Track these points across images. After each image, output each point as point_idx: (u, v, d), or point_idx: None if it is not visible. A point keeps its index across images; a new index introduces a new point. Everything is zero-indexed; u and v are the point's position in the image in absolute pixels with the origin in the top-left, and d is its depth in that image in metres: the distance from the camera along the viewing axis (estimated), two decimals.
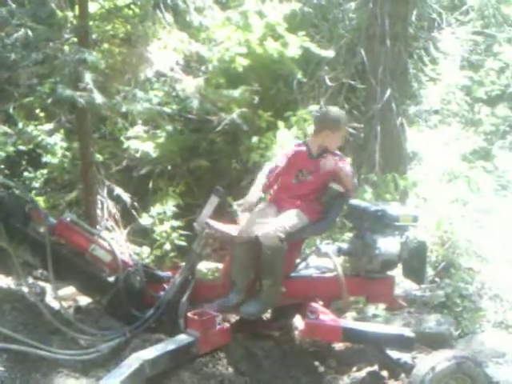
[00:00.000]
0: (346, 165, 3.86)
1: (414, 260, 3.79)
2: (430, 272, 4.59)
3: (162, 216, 5.31)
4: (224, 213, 5.38)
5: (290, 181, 3.85)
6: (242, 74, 6.03)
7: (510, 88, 6.95)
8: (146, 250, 5.25)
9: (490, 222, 5.17)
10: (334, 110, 3.90)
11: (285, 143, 5.71)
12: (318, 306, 3.77)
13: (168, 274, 3.84)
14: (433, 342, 4.02)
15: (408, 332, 3.58)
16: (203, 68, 6.28)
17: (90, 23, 5.63)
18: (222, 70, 6.06)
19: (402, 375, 3.56)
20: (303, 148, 3.89)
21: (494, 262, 4.79)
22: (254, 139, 5.84)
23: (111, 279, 3.67)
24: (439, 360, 3.27)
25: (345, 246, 4.08)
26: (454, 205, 5.28)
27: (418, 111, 6.73)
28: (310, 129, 5.98)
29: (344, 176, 3.78)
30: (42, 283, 4.09)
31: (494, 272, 4.69)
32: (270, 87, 6.29)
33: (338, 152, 3.92)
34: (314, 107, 6.17)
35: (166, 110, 5.85)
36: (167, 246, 5.13)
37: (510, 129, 6.68)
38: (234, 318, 3.92)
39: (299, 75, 6.33)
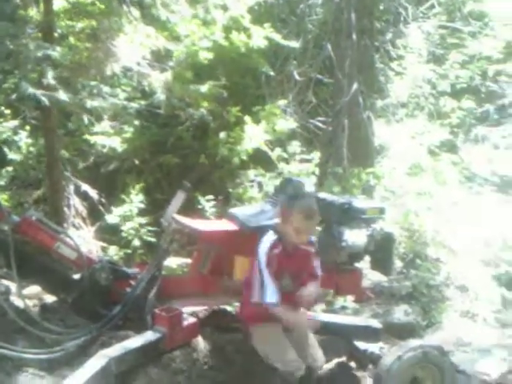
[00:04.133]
0: None
1: (382, 252, 3.82)
2: (397, 263, 4.64)
3: (129, 212, 5.27)
4: (193, 208, 5.37)
5: None
6: (209, 68, 6.01)
7: (475, 81, 7.05)
8: (114, 247, 5.20)
9: (456, 213, 5.24)
10: None
11: (253, 138, 5.73)
12: None
13: (135, 270, 3.80)
14: (401, 332, 4.07)
15: (375, 323, 3.63)
16: (171, 63, 6.24)
17: (55, 19, 5.54)
18: (189, 65, 6.03)
19: (370, 365, 3.60)
20: None
21: (460, 253, 4.86)
22: (223, 134, 5.83)
23: (77, 277, 3.62)
24: (406, 350, 3.31)
25: (313, 238, 4.11)
26: (420, 197, 5.34)
27: (385, 105, 6.79)
28: (279, 123, 6.01)
29: None
30: (6, 282, 4.02)
31: (460, 263, 4.76)
32: (238, 82, 6.29)
33: None
34: (282, 102, 6.20)
35: (133, 105, 5.79)
36: (136, 243, 5.10)
37: (476, 121, 6.77)
38: (202, 312, 3.90)
39: (267, 70, 6.33)
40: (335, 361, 3.71)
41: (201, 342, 3.59)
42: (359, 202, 3.95)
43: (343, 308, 4.34)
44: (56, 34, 5.49)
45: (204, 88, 5.75)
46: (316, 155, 5.95)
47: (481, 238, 5.03)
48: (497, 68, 7.04)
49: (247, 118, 5.86)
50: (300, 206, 3.05)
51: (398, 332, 4.04)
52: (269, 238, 3.18)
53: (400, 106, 6.90)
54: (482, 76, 7.13)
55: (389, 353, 3.38)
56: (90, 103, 5.18)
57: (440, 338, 3.98)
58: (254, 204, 4.70)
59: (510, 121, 6.54)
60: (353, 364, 3.68)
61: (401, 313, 4.19)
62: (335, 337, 3.77)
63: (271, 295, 3.03)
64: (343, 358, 3.72)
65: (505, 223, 5.15)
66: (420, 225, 5.01)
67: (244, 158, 5.87)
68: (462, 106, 6.91)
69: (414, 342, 3.44)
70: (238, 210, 4.28)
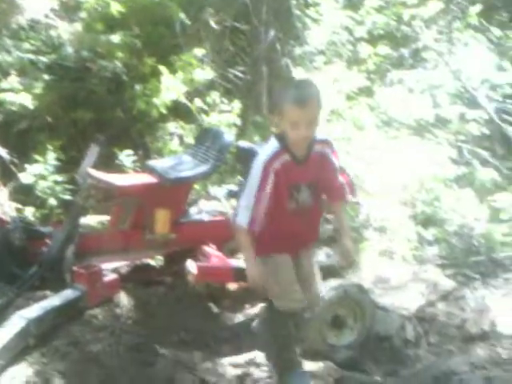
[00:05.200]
0: None
1: None
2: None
3: (44, 172, 5.06)
4: (112, 165, 5.23)
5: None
6: (120, 18, 5.76)
7: (391, 26, 7.11)
8: (30, 208, 5.00)
9: (374, 157, 5.34)
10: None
11: (170, 89, 5.58)
12: (209, 249, 3.80)
13: (50, 229, 3.69)
14: (324, 274, 4.14)
15: None
16: (81, 14, 5.94)
17: None
18: (99, 15, 5.76)
19: None
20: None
21: (378, 196, 4.97)
22: (138, 87, 5.65)
23: None
24: (327, 289, 3.38)
25: (234, 188, 4.11)
26: (340, 142, 5.40)
27: (303, 52, 6.75)
28: (197, 73, 5.87)
29: None
30: None
31: (378, 205, 4.88)
32: (152, 31, 6.07)
33: None
34: (199, 51, 6.04)
35: (42, 59, 5.50)
36: (52, 202, 4.92)
37: (391, 66, 6.86)
38: (123, 268, 3.85)
39: (182, 18, 6.14)
40: (260, 305, 3.76)
41: (123, 298, 3.55)
42: None
43: None
44: None
45: (116, 38, 5.52)
46: (236, 105, 5.88)
47: (398, 180, 5.16)
48: (411, 12, 7.11)
49: (163, 69, 5.69)
50: (291, 95, 2.59)
51: (321, 274, 4.12)
52: (270, 147, 2.70)
53: (318, 53, 6.88)
54: (397, 21, 7.19)
55: None
56: None
57: (360, 277, 4.10)
58: (174, 156, 4.62)
59: (424, 64, 6.67)
60: None
61: (323, 255, 4.27)
62: None
63: (244, 216, 2.63)
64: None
65: (421, 165, 5.30)
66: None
67: (162, 110, 5.72)
68: (379, 52, 6.97)
69: (334, 282, 3.52)
70: (157, 162, 4.22)
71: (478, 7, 6.83)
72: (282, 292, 2.78)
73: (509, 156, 5.64)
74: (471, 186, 5.22)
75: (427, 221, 4.78)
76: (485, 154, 5.50)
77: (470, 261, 4.18)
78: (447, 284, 4.03)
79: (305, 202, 2.76)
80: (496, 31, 6.78)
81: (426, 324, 3.62)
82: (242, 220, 2.65)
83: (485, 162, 5.43)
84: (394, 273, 4.12)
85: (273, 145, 2.70)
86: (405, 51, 6.86)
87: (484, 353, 3.15)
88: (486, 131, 5.70)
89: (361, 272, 4.14)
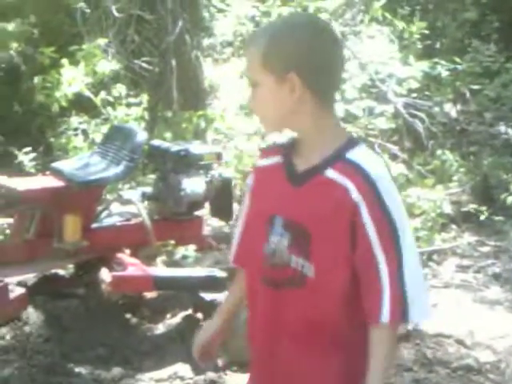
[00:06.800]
0: None
1: (221, 198, 3.73)
2: (236, 207, 4.58)
3: None
4: (10, 165, 4.87)
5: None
6: (14, 5, 5.33)
7: None
8: None
9: None
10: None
11: (72, 81, 5.24)
12: (124, 256, 3.60)
13: None
14: None
15: (219, 272, 3.55)
16: None
17: None
18: None
19: None
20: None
21: None
22: (37, 79, 5.26)
23: None
24: None
25: (148, 189, 3.91)
26: (253, 138, 5.30)
27: (211, 44, 6.60)
28: (100, 65, 5.55)
29: None
30: None
31: None
32: (51, 20, 5.68)
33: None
34: (102, 41, 5.73)
35: None
36: None
37: None
38: (30, 280, 3.55)
39: (82, 6, 5.79)
40: (181, 314, 3.60)
41: (32, 314, 3.28)
42: (195, 147, 3.81)
43: (184, 257, 4.20)
44: None
45: (10, 27, 5.11)
46: (144, 98, 5.63)
47: None
48: (316, 5, 7.12)
49: (64, 60, 5.34)
50: None
51: None
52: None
53: (226, 44, 6.75)
54: None
55: None
56: None
57: None
58: (81, 156, 4.32)
59: None
60: (200, 315, 3.58)
61: None
62: (180, 291, 3.65)
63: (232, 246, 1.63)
64: (189, 311, 3.61)
65: None
66: (253, 166, 4.97)
67: (64, 103, 5.38)
68: None
69: None
70: (63, 164, 3.93)
71: (381, 1, 6.96)
72: None
73: (417, 151, 5.78)
74: None
75: None
76: (394, 148, 5.60)
77: None
78: None
79: (282, 257, 1.43)
80: (400, 25, 6.93)
81: None
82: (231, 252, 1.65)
83: (394, 157, 5.53)
84: None
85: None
86: None
87: (409, 353, 3.17)
88: (393, 126, 5.81)
89: None
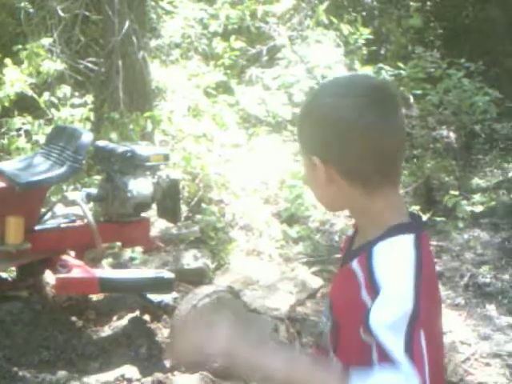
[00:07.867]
0: None
1: (169, 200, 3.71)
2: (184, 209, 4.57)
3: None
4: None
5: None
6: None
7: (245, 22, 7.11)
8: None
9: (235, 155, 5.30)
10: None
11: (15, 81, 5.12)
12: (69, 258, 3.53)
13: None
14: (192, 277, 4.03)
15: (167, 273, 3.53)
16: None
17: None
18: None
19: (165, 317, 3.51)
20: None
21: (242, 194, 4.94)
22: None
23: None
24: (200, 297, 3.27)
25: (94, 191, 3.85)
26: (201, 140, 5.29)
27: (158, 45, 6.55)
28: (45, 64, 5.45)
29: None
30: None
31: (242, 203, 4.84)
32: None
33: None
34: (46, 40, 5.61)
35: None
36: None
37: (248, 62, 6.88)
38: None
39: (26, 5, 5.66)
40: (128, 316, 3.56)
41: None
42: (142, 148, 3.78)
43: (132, 259, 4.17)
44: None
45: None
46: (89, 99, 5.54)
47: (260, 178, 5.17)
48: (265, 9, 7.17)
49: (7, 60, 5.21)
50: None
51: (188, 277, 4.01)
52: None
53: (174, 46, 6.71)
54: (251, 17, 7.22)
55: (183, 302, 3.31)
56: None
57: (229, 278, 4.03)
58: (24, 157, 4.23)
59: (279, 61, 6.75)
60: (147, 317, 3.55)
61: (190, 258, 4.16)
62: (127, 293, 3.62)
63: None
64: (136, 313, 3.57)
65: (280, 162, 5.35)
66: (202, 168, 4.98)
67: (6, 104, 5.25)
68: (234, 47, 6.95)
69: (206, 289, 3.41)
70: (5, 165, 3.83)
71: (324, 4, 7.07)
72: None
73: None
74: None
75: (291, 218, 4.83)
76: None
77: (334, 257, 4.27)
78: (314, 282, 4.09)
79: (326, 338, 1.34)
80: (345, 29, 7.05)
81: (298, 324, 3.64)
82: None
83: None
84: (262, 273, 4.10)
85: None
86: (261, 48, 6.91)
87: None
88: None
89: (230, 273, 4.07)
